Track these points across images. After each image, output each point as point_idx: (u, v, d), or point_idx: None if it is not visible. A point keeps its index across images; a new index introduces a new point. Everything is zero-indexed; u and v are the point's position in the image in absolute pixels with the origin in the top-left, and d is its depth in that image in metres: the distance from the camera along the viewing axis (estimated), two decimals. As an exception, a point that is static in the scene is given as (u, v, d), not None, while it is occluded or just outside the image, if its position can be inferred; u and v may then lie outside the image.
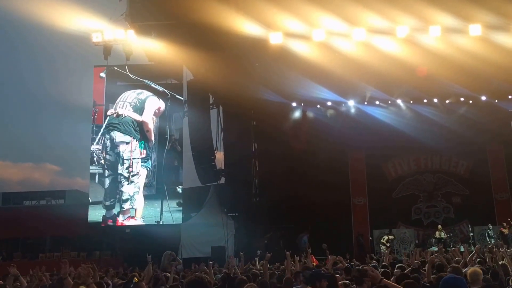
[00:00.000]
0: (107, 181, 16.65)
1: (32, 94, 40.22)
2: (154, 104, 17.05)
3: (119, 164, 16.45)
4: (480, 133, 20.79)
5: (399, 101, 21.46)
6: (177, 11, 15.39)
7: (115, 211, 16.52)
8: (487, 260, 9.32)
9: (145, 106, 16.95)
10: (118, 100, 17.08)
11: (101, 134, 16.94)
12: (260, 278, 7.64)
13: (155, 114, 17.11)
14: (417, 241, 20.34)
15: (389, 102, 21.47)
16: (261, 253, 17.21)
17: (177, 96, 17.41)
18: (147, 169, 16.78)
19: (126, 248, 19.53)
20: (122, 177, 16.30)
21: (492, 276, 6.74)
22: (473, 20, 14.71)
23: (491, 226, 19.16)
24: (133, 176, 16.30)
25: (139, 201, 16.51)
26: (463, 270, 7.58)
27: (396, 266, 8.76)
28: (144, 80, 17.23)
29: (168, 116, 17.54)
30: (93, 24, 16.31)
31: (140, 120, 16.88)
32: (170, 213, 16.82)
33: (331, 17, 14.81)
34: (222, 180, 21.39)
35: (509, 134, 22.39)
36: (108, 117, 17.07)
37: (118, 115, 16.79)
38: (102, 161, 16.84)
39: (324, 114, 22.10)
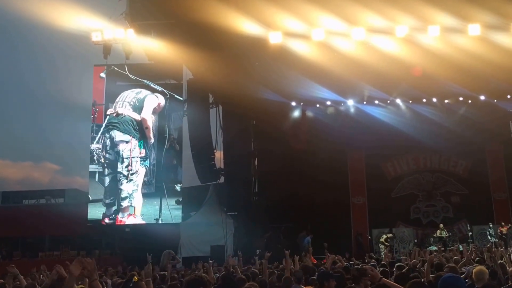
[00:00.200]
0: (107, 180, 16.80)
1: (32, 93, 40.23)
2: (153, 102, 17.13)
3: (118, 163, 16.62)
4: (479, 133, 20.82)
5: (398, 101, 21.49)
6: (176, 10, 15.40)
7: (115, 209, 16.58)
8: (486, 259, 9.34)
9: (144, 104, 17.03)
10: (117, 100, 17.15)
11: (101, 133, 17.02)
12: (260, 277, 7.66)
13: (155, 110, 17.20)
14: (416, 240, 20.37)
15: (388, 101, 21.50)
16: (261, 252, 17.25)
17: (175, 96, 17.43)
18: (145, 168, 16.89)
19: (125, 247, 19.55)
20: (121, 175, 16.45)
21: (491, 275, 6.77)
22: (472, 20, 14.72)
23: (491, 225, 19.13)
24: (132, 174, 16.44)
25: (138, 199, 16.66)
26: (466, 268, 7.63)
27: (396, 265, 8.81)
28: (144, 80, 17.29)
29: (167, 115, 17.61)
30: (93, 23, 16.32)
31: (140, 118, 16.94)
32: (169, 211, 16.94)
33: (330, 17, 14.81)
34: (222, 179, 21.43)
35: (508, 133, 22.46)
36: (108, 117, 17.15)
37: (117, 115, 16.88)
38: (102, 160, 16.96)
39: (324, 114, 22.11)
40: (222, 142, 20.80)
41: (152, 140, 17.06)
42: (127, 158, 16.53)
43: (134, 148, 16.71)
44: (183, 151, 18.38)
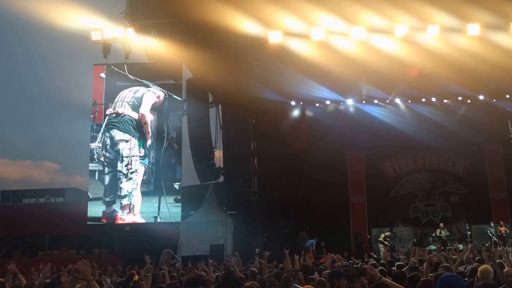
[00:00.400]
0: (107, 178, 16.95)
1: (31, 92, 40.21)
2: (151, 98, 17.24)
3: (118, 162, 16.74)
4: (478, 133, 20.86)
5: (397, 101, 21.52)
6: (176, 10, 15.41)
7: (115, 207, 16.70)
8: (485, 259, 9.38)
9: (143, 101, 17.11)
10: (116, 99, 17.25)
11: (101, 133, 17.09)
12: (259, 276, 7.69)
13: (155, 104, 17.33)
14: (415, 240, 20.41)
15: (388, 101, 21.53)
16: (260, 251, 17.29)
17: (174, 96, 17.46)
18: (144, 166, 16.98)
19: (125, 246, 19.57)
20: (121, 174, 16.60)
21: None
22: (471, 19, 14.74)
23: (492, 224, 19.11)
24: (131, 173, 16.58)
25: (137, 197, 16.79)
26: (466, 267, 7.67)
27: (396, 264, 8.85)
28: (143, 81, 17.31)
29: (166, 115, 17.67)
30: (93, 23, 16.32)
31: (138, 116, 17.03)
32: (168, 209, 17.03)
33: (330, 16, 14.82)
34: (221, 179, 21.44)
35: (507, 133, 22.51)
36: (107, 116, 17.19)
37: (117, 115, 16.98)
38: (102, 159, 17.08)
39: (323, 113, 22.12)
40: (222, 141, 20.83)
41: (150, 135, 17.17)
42: (126, 157, 16.66)
43: (134, 147, 16.83)
44: (182, 150, 18.42)
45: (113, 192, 16.82)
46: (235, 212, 21.02)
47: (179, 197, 17.46)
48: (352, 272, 6.47)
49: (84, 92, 21.06)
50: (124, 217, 16.58)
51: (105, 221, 16.83)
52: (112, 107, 17.27)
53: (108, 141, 16.85)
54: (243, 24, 14.96)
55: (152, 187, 17.32)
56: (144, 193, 16.97)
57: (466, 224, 20.20)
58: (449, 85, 19.21)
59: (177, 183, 17.64)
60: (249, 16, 14.85)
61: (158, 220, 16.81)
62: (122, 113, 16.96)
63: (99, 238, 20.51)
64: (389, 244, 19.53)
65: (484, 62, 15.82)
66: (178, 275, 9.56)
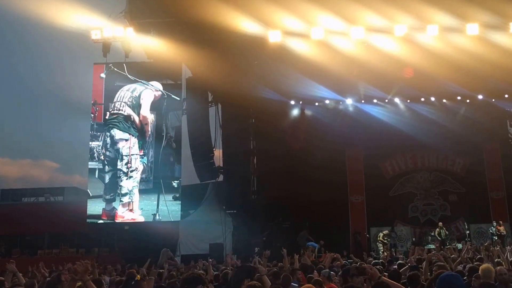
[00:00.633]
0: (107, 176, 17.11)
1: (31, 91, 40.22)
2: (149, 96, 17.26)
3: (118, 160, 16.80)
4: (477, 132, 20.91)
5: (396, 100, 21.53)
6: (176, 9, 15.43)
7: (114, 204, 16.83)
8: (484, 258, 9.43)
9: (141, 101, 17.18)
10: (115, 100, 17.31)
11: (102, 132, 17.20)
12: (258, 275, 7.71)
13: (155, 99, 17.29)
14: (414, 239, 20.46)
15: (387, 100, 21.55)
16: (259, 250, 17.34)
17: (173, 96, 17.50)
18: (143, 165, 17.08)
19: (124, 245, 19.61)
20: (121, 172, 16.73)
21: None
22: (470, 19, 14.76)
23: (495, 223, 19.04)
24: (131, 171, 16.73)
25: (137, 195, 16.90)
26: (465, 266, 7.70)
27: (397, 263, 8.89)
28: (142, 81, 17.35)
29: (165, 114, 17.72)
30: (92, 22, 16.32)
31: (138, 118, 17.13)
32: (166, 207, 17.09)
33: (329, 16, 14.84)
34: (221, 178, 21.47)
35: (506, 133, 22.58)
36: (107, 116, 17.29)
37: (117, 114, 17.05)
38: (102, 157, 17.21)
39: (323, 113, 22.14)
40: (221, 141, 20.85)
41: (149, 133, 17.26)
42: (126, 155, 16.80)
43: (133, 145, 16.96)
44: (182, 149, 18.44)
45: (113, 190, 16.95)
46: (235, 211, 21.05)
47: (177, 195, 17.54)
48: (351, 271, 6.51)
49: (84, 91, 21.07)
50: (124, 215, 16.69)
51: (105, 218, 16.91)
52: (112, 107, 17.34)
53: (108, 140, 17.01)
54: (243, 23, 14.97)
55: (151, 185, 17.44)
56: (143, 191, 17.10)
57: (465, 223, 20.24)
58: (448, 85, 19.24)
59: (176, 181, 17.75)
60: (249, 16, 14.86)
61: (157, 218, 16.88)
62: (121, 113, 17.05)
63: (98, 237, 20.52)
64: (388, 243, 19.57)
65: (483, 62, 15.85)
66: (178, 274, 9.59)
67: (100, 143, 17.32)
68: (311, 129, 21.90)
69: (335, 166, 21.02)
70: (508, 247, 13.13)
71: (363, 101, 21.62)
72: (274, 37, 15.49)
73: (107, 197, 16.95)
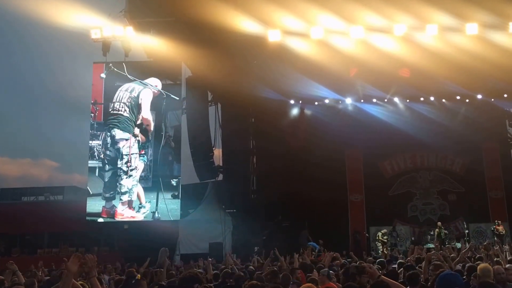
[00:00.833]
0: (107, 175, 17.24)
1: (30, 90, 40.20)
2: (148, 96, 17.32)
3: (118, 159, 16.89)
4: (476, 131, 20.94)
5: (396, 99, 21.55)
6: (176, 8, 15.44)
7: (114, 202, 16.95)
8: (483, 257, 9.45)
9: (141, 102, 17.22)
10: (114, 100, 17.36)
11: (102, 131, 17.29)
12: (258, 272, 7.75)
13: (154, 95, 17.34)
14: (413, 238, 20.49)
15: (386, 100, 21.56)
16: (259, 250, 17.37)
17: (172, 96, 17.52)
18: (143, 163, 17.17)
19: (124, 244, 19.64)
20: (121, 171, 16.86)
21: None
22: (470, 19, 14.79)
23: (497, 222, 19.02)
24: (131, 170, 16.83)
25: (136, 194, 17.00)
26: (464, 265, 7.72)
27: (398, 262, 8.91)
28: (140, 81, 17.37)
29: (164, 114, 17.76)
30: (92, 21, 16.34)
31: (138, 118, 17.24)
32: (165, 205, 17.16)
33: (329, 15, 14.86)
34: (220, 177, 21.47)
35: (505, 132, 22.63)
36: (108, 116, 17.37)
37: (117, 115, 17.14)
38: (102, 156, 17.35)
39: (322, 112, 22.15)
40: (221, 140, 20.85)
41: (152, 131, 17.37)
42: (126, 154, 16.91)
43: (133, 145, 17.08)
44: (182, 148, 18.46)
45: (113, 189, 17.06)
46: (234, 210, 21.07)
47: (176, 193, 17.63)
48: (351, 270, 6.53)
49: (84, 90, 21.06)
50: (123, 213, 16.80)
51: (105, 216, 17.00)
52: (111, 107, 17.40)
53: (109, 140, 17.16)
54: (243, 22, 14.98)
55: (150, 183, 17.56)
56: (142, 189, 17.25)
57: (464, 223, 20.27)
58: (448, 84, 19.26)
59: (174, 180, 17.86)
60: (249, 15, 14.88)
61: (156, 215, 16.96)
62: (121, 113, 17.14)
63: (98, 236, 20.57)
64: (388, 242, 19.58)
65: (483, 62, 15.87)
66: (177, 273, 9.61)
67: (100, 142, 17.44)
68: (310, 129, 21.91)
69: (334, 165, 21.03)
70: (506, 247, 13.17)
71: (362, 101, 21.63)
72: (273, 37, 15.51)
73: (107, 195, 17.08)
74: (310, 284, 5.05)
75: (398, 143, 21.36)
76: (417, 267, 7.63)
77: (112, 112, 17.29)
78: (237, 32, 15.14)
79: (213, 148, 20.86)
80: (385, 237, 19.73)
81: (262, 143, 22.16)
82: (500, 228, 18.71)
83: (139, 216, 16.97)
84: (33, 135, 39.01)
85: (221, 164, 21.24)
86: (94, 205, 17.26)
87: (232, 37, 15.60)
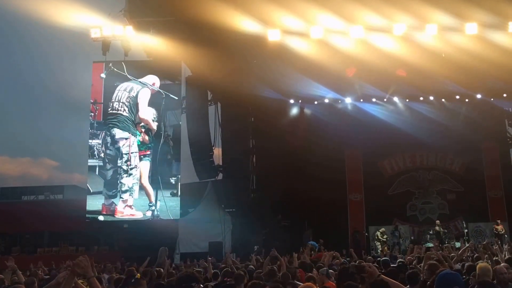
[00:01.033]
0: (108, 174, 17.38)
1: (30, 89, 40.22)
2: (146, 95, 17.39)
3: (118, 159, 16.98)
4: (475, 131, 20.96)
5: (395, 99, 21.56)
6: (175, 8, 15.45)
7: (115, 200, 17.06)
8: (481, 257, 9.47)
9: (139, 101, 17.31)
10: (113, 99, 17.43)
11: (102, 130, 17.44)
12: (258, 271, 7.77)
13: (152, 92, 17.39)
14: (412, 237, 20.51)
15: (385, 99, 21.57)
16: (258, 249, 17.40)
17: (171, 95, 17.56)
18: (150, 163, 17.47)
19: (124, 243, 19.65)
20: (121, 170, 17.01)
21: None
22: (469, 18, 14.80)
23: (499, 221, 19.00)
24: (131, 169, 16.93)
25: (137, 192, 17.12)
26: (463, 265, 7.75)
27: (398, 262, 8.93)
28: (140, 81, 17.40)
29: (163, 114, 17.81)
30: (92, 20, 16.35)
31: (138, 118, 17.30)
32: (165, 203, 17.24)
33: (329, 15, 14.87)
34: (220, 176, 21.50)
35: (504, 132, 22.64)
36: (107, 115, 17.45)
37: (116, 114, 17.22)
38: (103, 155, 17.50)
39: (322, 111, 22.16)
40: (221, 139, 20.88)
41: (155, 130, 17.44)
42: (126, 153, 17.01)
43: (133, 144, 17.18)
44: (181, 147, 18.50)
45: (114, 187, 17.24)
46: (234, 209, 21.09)
47: (175, 191, 17.71)
48: (351, 270, 6.54)
49: (83, 89, 21.07)
50: (123, 210, 16.91)
51: (104, 212, 17.09)
52: (110, 107, 17.48)
53: (108, 139, 17.32)
54: (242, 22, 14.99)
55: (149, 181, 17.65)
56: (141, 187, 17.32)
57: (463, 222, 20.29)
58: (447, 84, 19.28)
59: (173, 178, 17.96)
60: (248, 15, 14.89)
61: (156, 212, 17.03)
62: (120, 113, 17.24)
63: (98, 235, 20.58)
64: (386, 241, 19.59)
65: (482, 61, 15.89)
66: (176, 272, 9.62)
67: (100, 141, 17.57)
68: (310, 128, 21.92)
69: (334, 164, 21.05)
70: (505, 246, 13.19)
71: (361, 100, 21.64)
72: (273, 36, 15.52)
73: (110, 193, 17.26)
74: (309, 283, 5.06)
75: (398, 142, 21.38)
76: (418, 266, 7.66)
77: (111, 112, 17.36)
78: (236, 31, 15.15)
79: (213, 148, 20.89)
80: (385, 236, 19.75)
81: (261, 142, 22.18)
82: (500, 227, 18.73)
83: (139, 214, 17.05)
84: (33, 134, 39.04)
85: (220, 164, 21.27)
86: (94, 203, 17.41)
87: (232, 37, 15.60)
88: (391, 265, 8.72)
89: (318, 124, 21.67)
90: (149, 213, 17.04)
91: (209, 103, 21.28)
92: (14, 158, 42.09)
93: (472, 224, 20.35)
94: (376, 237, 19.91)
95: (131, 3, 16.35)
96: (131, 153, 17.05)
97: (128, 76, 17.45)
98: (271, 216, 20.50)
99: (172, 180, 17.98)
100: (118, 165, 17.03)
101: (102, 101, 17.93)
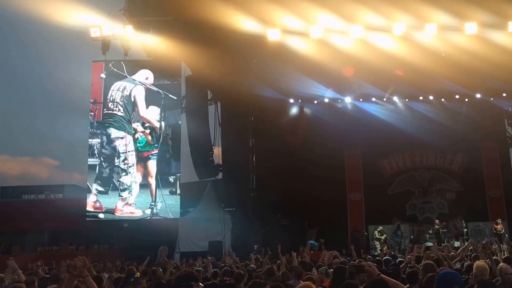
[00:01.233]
0: (105, 172, 17.53)
1: (30, 88, 40.21)
2: (141, 94, 17.46)
3: (115, 158, 17.10)
4: (474, 131, 20.99)
5: (395, 98, 21.57)
6: (175, 7, 15.46)
7: (114, 198, 17.08)
8: (480, 256, 9.49)
9: (135, 100, 17.33)
10: (108, 99, 17.52)
11: (99, 130, 17.51)
12: (258, 270, 7.79)
13: (145, 88, 17.44)
14: (411, 237, 20.53)
15: (385, 99, 21.58)
16: (258, 248, 17.42)
17: (170, 95, 17.58)
18: (155, 161, 17.56)
19: (124, 242, 19.68)
20: (119, 168, 17.18)
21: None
22: (469, 18, 14.81)
23: (497, 221, 18.95)
24: (129, 167, 16.98)
25: (136, 190, 17.19)
26: (463, 264, 7.76)
27: (398, 261, 8.95)
28: (133, 78, 17.43)
29: (162, 113, 17.83)
30: (92, 19, 16.36)
31: (139, 117, 17.38)
32: (164, 201, 17.30)
33: (328, 14, 14.88)
34: (220, 176, 21.53)
35: (503, 131, 22.66)
36: (103, 115, 17.49)
37: (111, 114, 17.30)
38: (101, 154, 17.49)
39: (321, 111, 22.18)
40: (221, 139, 20.89)
41: (158, 131, 17.48)
42: (123, 152, 17.11)
43: (129, 143, 17.28)
44: (181, 147, 18.52)
45: (108, 184, 17.38)
46: (234, 208, 21.11)
47: (174, 189, 17.75)
48: (350, 269, 6.55)
49: (83, 89, 21.06)
50: (123, 209, 16.98)
51: (103, 210, 17.18)
52: (106, 107, 17.56)
53: (105, 138, 17.49)
54: (242, 22, 15.00)
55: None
56: (141, 186, 17.44)
57: (463, 221, 20.31)
58: (447, 84, 19.29)
59: (172, 177, 18.01)
60: (248, 14, 14.89)
61: (155, 211, 17.08)
62: (115, 113, 17.33)
63: (98, 234, 20.59)
64: (384, 239, 19.59)
65: (482, 61, 15.89)
66: (177, 271, 9.64)
67: (99, 141, 17.65)
68: (310, 127, 21.93)
69: (333, 164, 21.07)
70: (504, 246, 13.22)
71: (361, 100, 21.66)
72: (273, 36, 15.53)
73: (102, 189, 17.39)
74: (308, 282, 5.08)
75: (397, 142, 21.40)
76: (418, 266, 7.67)
77: (106, 112, 17.48)
78: (236, 31, 15.16)
79: (213, 147, 20.91)
80: (384, 235, 19.76)
81: (261, 141, 22.21)
82: (499, 227, 18.74)
83: (138, 212, 17.12)
84: (33, 133, 39.03)
85: (220, 163, 21.30)
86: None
87: (231, 36, 15.61)
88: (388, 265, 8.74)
89: (318, 124, 21.69)
90: (148, 211, 17.09)
91: (209, 102, 21.30)
92: (14, 157, 42.09)
93: (472, 223, 20.37)
94: (374, 236, 19.93)
95: (131, 3, 16.34)
96: (128, 151, 17.14)
97: (128, 76, 17.48)
98: (271, 215, 20.53)
99: (171, 179, 18.03)
100: (116, 164, 17.16)
101: (102, 101, 17.95)
